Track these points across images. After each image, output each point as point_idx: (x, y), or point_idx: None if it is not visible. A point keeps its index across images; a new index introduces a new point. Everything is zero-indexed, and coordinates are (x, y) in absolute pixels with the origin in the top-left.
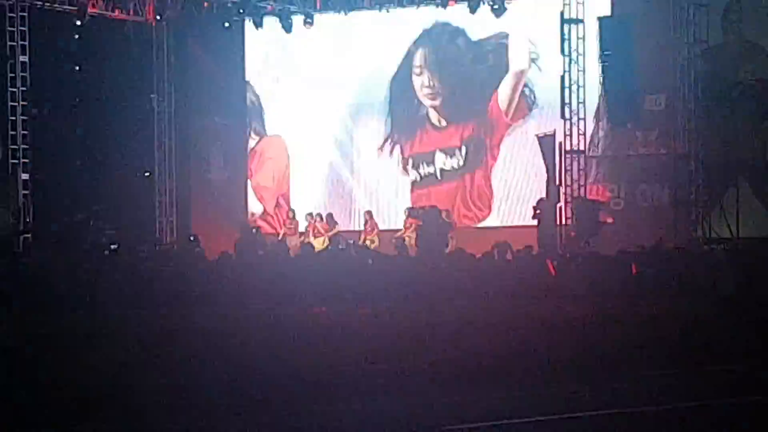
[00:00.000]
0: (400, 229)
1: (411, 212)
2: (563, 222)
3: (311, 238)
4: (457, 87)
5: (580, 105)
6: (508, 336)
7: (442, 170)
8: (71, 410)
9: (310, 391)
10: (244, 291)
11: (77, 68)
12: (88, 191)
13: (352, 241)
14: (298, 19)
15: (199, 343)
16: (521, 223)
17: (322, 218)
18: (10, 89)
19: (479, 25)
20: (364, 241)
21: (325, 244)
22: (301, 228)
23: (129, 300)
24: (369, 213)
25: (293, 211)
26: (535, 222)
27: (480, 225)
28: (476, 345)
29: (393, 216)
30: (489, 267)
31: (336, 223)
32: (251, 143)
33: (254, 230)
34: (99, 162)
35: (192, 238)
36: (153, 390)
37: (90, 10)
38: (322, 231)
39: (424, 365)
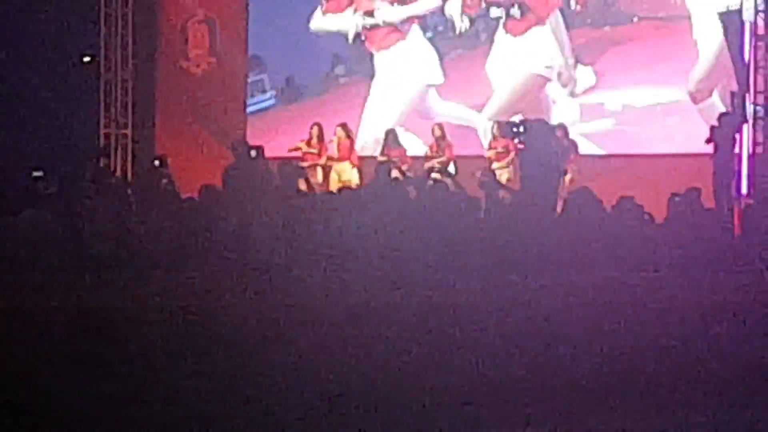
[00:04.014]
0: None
1: (503, 128)
2: (753, 150)
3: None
4: None
5: None
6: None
7: None
8: None
9: None
10: (238, 247)
11: None
12: None
13: (406, 170)
14: None
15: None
16: (685, 150)
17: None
18: None
19: None
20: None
21: (353, 176)
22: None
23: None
24: (440, 126)
25: (319, 126)
26: (709, 149)
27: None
28: (629, 351)
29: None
30: (638, 220)
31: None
32: None
33: (254, 152)
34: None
35: (157, 163)
36: None
37: None
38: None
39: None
